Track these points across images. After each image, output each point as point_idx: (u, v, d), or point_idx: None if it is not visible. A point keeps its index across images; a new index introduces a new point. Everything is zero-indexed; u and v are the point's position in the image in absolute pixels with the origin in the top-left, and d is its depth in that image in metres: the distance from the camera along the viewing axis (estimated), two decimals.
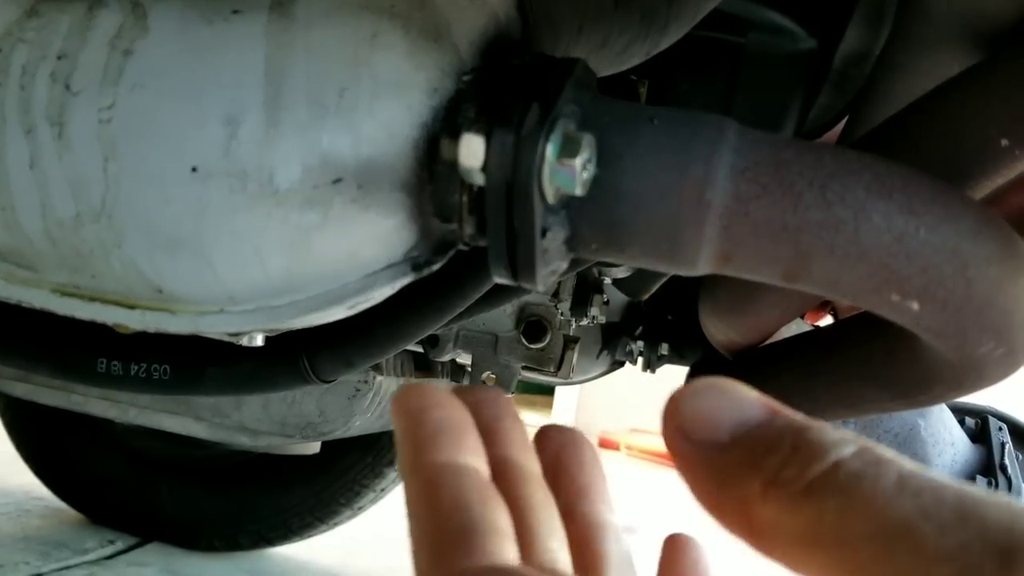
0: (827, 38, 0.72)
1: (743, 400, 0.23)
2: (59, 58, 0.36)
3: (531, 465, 0.33)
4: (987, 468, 0.85)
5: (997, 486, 0.83)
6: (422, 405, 0.29)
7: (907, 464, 0.20)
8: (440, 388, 0.30)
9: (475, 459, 0.28)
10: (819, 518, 0.19)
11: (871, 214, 0.36)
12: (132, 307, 0.39)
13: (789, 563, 0.21)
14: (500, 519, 0.26)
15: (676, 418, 0.23)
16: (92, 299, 0.40)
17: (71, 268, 0.39)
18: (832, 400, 0.57)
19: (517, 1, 0.43)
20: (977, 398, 0.96)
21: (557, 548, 0.30)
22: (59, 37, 0.36)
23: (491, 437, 0.32)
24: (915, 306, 0.38)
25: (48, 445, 1.74)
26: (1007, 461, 0.86)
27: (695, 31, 0.62)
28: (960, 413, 0.92)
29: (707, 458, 0.22)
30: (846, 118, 0.86)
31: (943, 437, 0.83)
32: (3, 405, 1.76)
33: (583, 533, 0.32)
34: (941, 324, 0.39)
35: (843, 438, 0.21)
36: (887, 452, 0.20)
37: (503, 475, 0.31)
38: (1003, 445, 0.88)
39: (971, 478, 0.84)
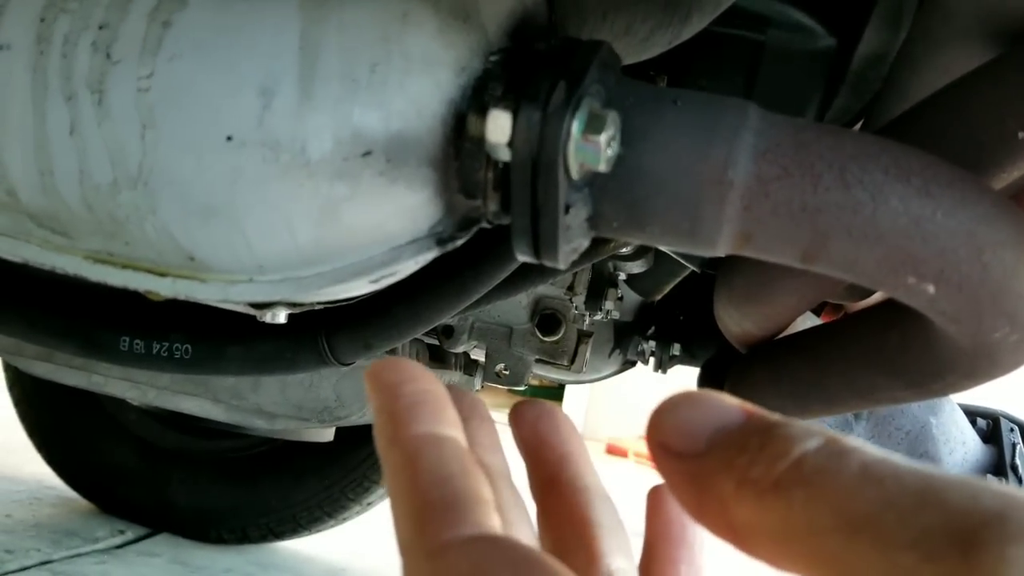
0: (846, 36, 0.73)
1: (718, 407, 0.23)
2: (100, 28, 0.37)
3: (498, 465, 0.32)
4: (998, 468, 0.86)
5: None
6: (399, 378, 0.29)
7: (871, 453, 0.20)
8: (416, 364, 0.30)
9: (455, 431, 0.28)
10: (788, 513, 0.20)
11: (889, 197, 0.37)
12: (164, 274, 0.40)
13: (769, 560, 0.21)
14: (483, 490, 0.26)
15: (658, 434, 0.23)
16: (125, 266, 0.41)
17: (106, 234, 0.40)
18: (845, 390, 0.57)
19: None
20: (990, 401, 0.97)
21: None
22: (101, 8, 0.37)
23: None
24: (931, 289, 0.39)
25: (61, 435, 1.75)
26: (1018, 462, 0.86)
27: (715, 27, 0.63)
28: (972, 414, 0.93)
29: (687, 467, 0.23)
30: (862, 121, 0.86)
31: (954, 436, 0.84)
32: (17, 394, 1.77)
33: (570, 500, 0.32)
34: (956, 308, 0.40)
35: (808, 432, 0.21)
36: (853, 442, 0.20)
37: None
38: (1014, 446, 0.88)
39: (982, 477, 0.84)
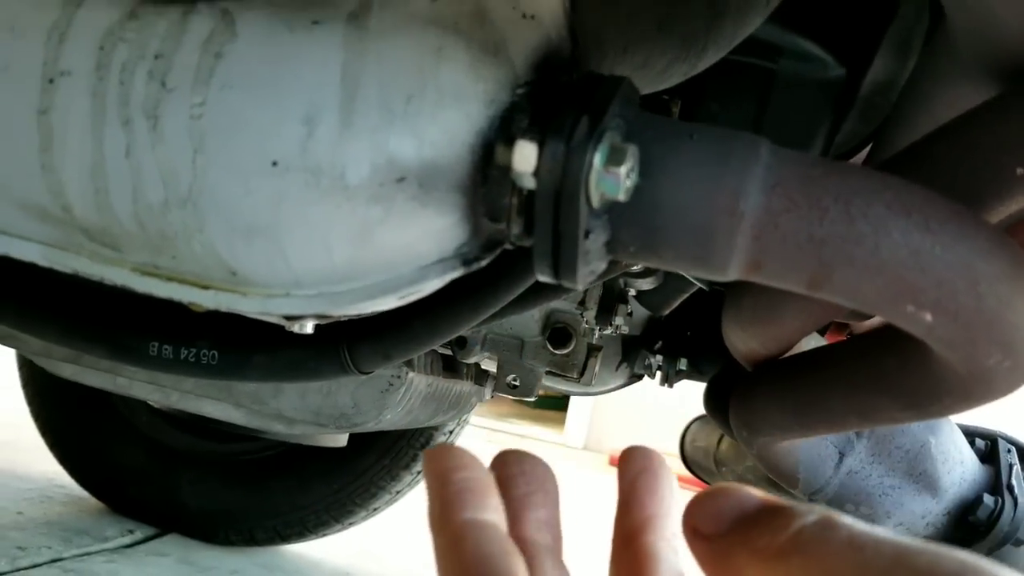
0: (855, 66, 0.75)
1: (742, 497, 0.28)
2: (156, 57, 0.39)
3: (546, 542, 0.36)
4: (994, 487, 0.88)
5: (1004, 505, 0.86)
6: (449, 466, 0.33)
7: (858, 526, 0.24)
8: (466, 452, 0.34)
9: (496, 516, 0.32)
10: (788, 574, 0.24)
11: (891, 230, 0.39)
12: (206, 287, 0.43)
13: None
14: (519, 570, 0.30)
15: (691, 519, 0.29)
16: (170, 279, 0.43)
17: (154, 249, 0.42)
18: (846, 409, 0.59)
19: (568, 22, 0.46)
20: (989, 422, 0.99)
21: None
22: (156, 38, 0.40)
23: (515, 514, 0.35)
24: (928, 317, 0.41)
25: (73, 434, 1.77)
26: (1014, 482, 0.88)
27: (728, 55, 0.65)
28: (970, 434, 0.95)
29: (714, 546, 0.28)
30: (870, 145, 0.89)
31: (953, 455, 0.86)
32: (30, 394, 1.80)
33: (640, 563, 0.35)
34: (952, 335, 0.42)
35: (809, 509, 0.25)
36: (844, 519, 0.25)
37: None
38: (1011, 467, 0.90)
39: (979, 496, 0.86)
